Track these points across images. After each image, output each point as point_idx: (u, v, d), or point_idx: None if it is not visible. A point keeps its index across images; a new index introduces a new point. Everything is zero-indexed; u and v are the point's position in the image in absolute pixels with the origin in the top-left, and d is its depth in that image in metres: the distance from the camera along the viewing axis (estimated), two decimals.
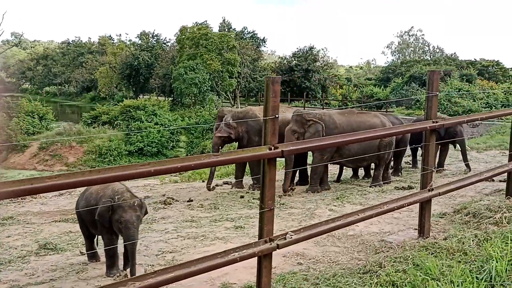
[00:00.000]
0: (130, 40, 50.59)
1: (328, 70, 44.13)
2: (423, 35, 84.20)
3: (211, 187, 8.74)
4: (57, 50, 65.13)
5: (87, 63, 52.38)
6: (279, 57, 49.82)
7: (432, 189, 4.21)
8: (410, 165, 10.66)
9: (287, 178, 8.07)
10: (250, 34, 44.86)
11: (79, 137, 19.85)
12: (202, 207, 7.24)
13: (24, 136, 20.31)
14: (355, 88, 46.33)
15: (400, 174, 9.40)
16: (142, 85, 44.27)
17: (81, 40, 62.17)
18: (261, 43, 45.12)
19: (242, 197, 7.94)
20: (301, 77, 41.49)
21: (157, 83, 40.12)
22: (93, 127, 22.92)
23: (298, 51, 43.61)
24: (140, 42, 47.20)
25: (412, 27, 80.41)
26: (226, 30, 44.78)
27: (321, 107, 33.14)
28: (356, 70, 78.88)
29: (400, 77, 43.72)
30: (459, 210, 5.47)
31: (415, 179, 8.51)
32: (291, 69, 42.69)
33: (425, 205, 4.25)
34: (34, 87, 67.97)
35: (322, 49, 54.71)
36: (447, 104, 28.62)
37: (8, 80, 76.93)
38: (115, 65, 45.00)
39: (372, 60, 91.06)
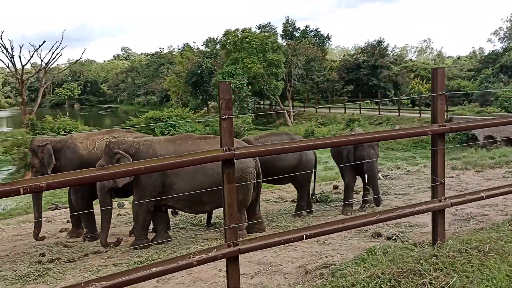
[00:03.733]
0: (197, 48, 50.82)
1: (401, 65, 39.90)
2: None
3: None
4: (142, 62, 68.25)
5: (163, 73, 53.81)
6: (345, 54, 46.37)
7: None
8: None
9: (103, 229, 6.07)
10: (313, 32, 42.22)
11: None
12: None
13: None
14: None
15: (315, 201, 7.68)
16: (210, 93, 44.02)
17: (162, 51, 64.36)
18: (325, 40, 42.22)
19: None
20: (368, 74, 37.94)
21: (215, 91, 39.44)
22: None
23: (366, 46, 40.05)
24: (205, 49, 47.08)
25: None
26: (290, 29, 42.80)
27: (393, 106, 29.59)
28: (465, 60, 71.60)
29: (491, 68, 38.05)
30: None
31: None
32: (358, 66, 39.34)
33: None
34: (127, 98, 71.94)
35: (401, 47, 49.42)
36: None
37: (109, 92, 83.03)
38: (182, 73, 45.31)
39: (479, 49, 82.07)
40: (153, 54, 66.01)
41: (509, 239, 3.93)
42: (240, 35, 31.79)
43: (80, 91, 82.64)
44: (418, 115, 26.67)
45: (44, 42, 40.63)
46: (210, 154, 2.91)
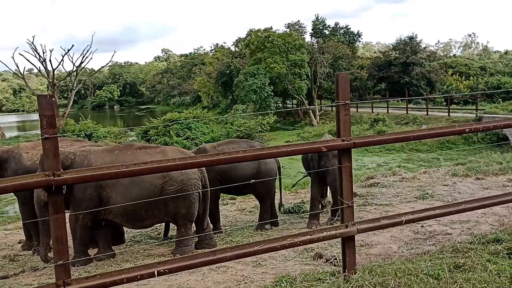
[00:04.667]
0: (228, 48, 50.68)
1: (435, 61, 38.26)
2: None
3: None
4: (177, 64, 69.01)
5: (195, 74, 54.08)
6: (375, 52, 44.94)
7: None
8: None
9: (42, 244, 5.65)
10: (343, 29, 41.13)
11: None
12: None
13: None
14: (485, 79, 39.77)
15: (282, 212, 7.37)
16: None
17: (196, 52, 64.80)
18: (355, 37, 41.03)
19: None
20: (400, 71, 36.59)
21: None
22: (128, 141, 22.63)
23: (398, 42, 38.64)
24: (235, 49, 46.90)
25: None
26: (320, 27, 41.92)
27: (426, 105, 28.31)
28: None
29: None
30: None
31: None
32: (389, 63, 38.03)
33: None
34: (163, 99, 72.99)
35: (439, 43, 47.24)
36: None
37: (146, 93, 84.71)
38: (213, 74, 45.34)
39: None
40: (187, 55, 66.61)
41: (430, 272, 3.38)
42: (262, 35, 31.30)
43: (119, 93, 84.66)
44: (447, 114, 25.36)
45: (73, 46, 41.34)
46: (29, 180, 2.57)
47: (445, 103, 33.84)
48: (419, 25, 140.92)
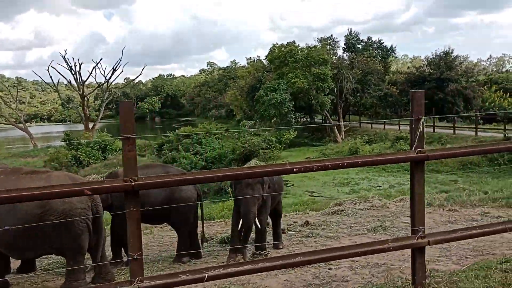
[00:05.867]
0: (261, 61, 50.53)
1: (474, 77, 36.35)
2: None
3: None
4: (215, 76, 69.70)
5: (229, 87, 54.22)
6: (409, 66, 43.30)
7: None
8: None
9: None
10: (376, 44, 39.99)
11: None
12: None
13: (73, 168, 21.22)
14: None
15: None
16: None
17: (234, 65, 65.20)
18: (388, 52, 39.74)
19: None
20: (433, 87, 34.97)
21: None
22: (142, 156, 22.71)
23: (433, 57, 37.05)
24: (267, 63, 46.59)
25: None
26: (354, 41, 41.02)
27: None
28: None
29: None
30: None
31: None
32: (423, 79, 36.48)
33: None
34: (201, 111, 73.77)
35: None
36: None
37: (187, 106, 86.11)
38: (244, 88, 45.23)
39: None
40: (224, 69, 67.17)
41: None
42: (285, 49, 30.83)
43: (160, 105, 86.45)
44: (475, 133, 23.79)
45: (101, 59, 42.79)
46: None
47: (481, 121, 31.94)
48: (471, 40, 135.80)
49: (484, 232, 3.44)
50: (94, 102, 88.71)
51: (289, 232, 7.29)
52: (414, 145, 3.35)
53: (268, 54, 34.75)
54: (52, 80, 41.55)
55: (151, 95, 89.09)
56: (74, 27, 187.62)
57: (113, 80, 41.82)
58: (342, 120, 32.32)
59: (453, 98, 34.91)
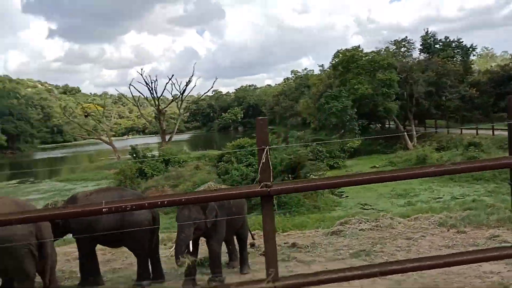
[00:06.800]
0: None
1: None
2: None
3: None
4: (292, 84, 69.60)
5: (304, 96, 53.71)
6: (492, 65, 39.58)
7: None
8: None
9: None
10: (455, 43, 37.21)
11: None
12: None
13: (137, 180, 22.22)
14: None
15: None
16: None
17: (307, 73, 64.66)
18: (468, 52, 36.79)
19: None
20: None
21: None
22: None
23: None
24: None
25: None
26: (431, 42, 38.65)
27: None
28: None
29: None
30: None
31: None
32: (510, 78, 33.29)
33: None
34: (279, 120, 74.00)
35: None
36: None
37: (268, 115, 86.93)
38: (315, 95, 44.56)
39: None
40: (301, 77, 66.85)
41: None
42: (348, 55, 29.79)
43: (242, 115, 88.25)
44: None
45: (173, 75, 44.97)
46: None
47: None
48: None
49: (354, 276, 2.87)
50: (184, 114, 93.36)
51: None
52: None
53: (331, 60, 33.88)
54: (143, 95, 45.22)
55: (234, 105, 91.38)
56: (170, 45, 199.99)
57: (188, 93, 43.84)
58: (413, 126, 30.44)
59: None
